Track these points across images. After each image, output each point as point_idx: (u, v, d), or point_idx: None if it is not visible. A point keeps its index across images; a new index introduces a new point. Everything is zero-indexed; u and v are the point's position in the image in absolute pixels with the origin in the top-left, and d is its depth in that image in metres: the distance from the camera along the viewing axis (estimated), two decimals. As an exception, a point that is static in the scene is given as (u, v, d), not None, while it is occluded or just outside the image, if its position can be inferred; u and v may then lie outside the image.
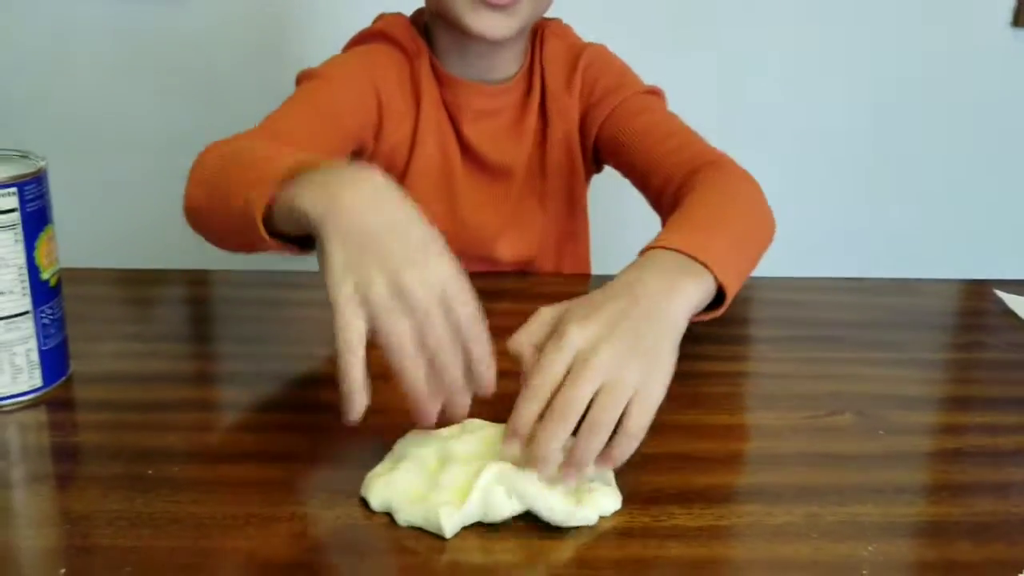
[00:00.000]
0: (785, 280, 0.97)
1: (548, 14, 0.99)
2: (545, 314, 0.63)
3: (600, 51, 1.04)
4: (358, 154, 0.97)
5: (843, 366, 0.80)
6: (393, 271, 0.56)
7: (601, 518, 0.58)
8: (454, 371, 0.57)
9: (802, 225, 1.65)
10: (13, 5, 1.74)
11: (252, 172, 0.66)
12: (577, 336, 0.59)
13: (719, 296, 0.70)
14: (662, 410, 0.60)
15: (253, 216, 0.63)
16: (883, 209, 1.96)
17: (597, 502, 0.58)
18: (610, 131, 0.99)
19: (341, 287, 0.56)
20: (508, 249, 1.04)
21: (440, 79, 0.99)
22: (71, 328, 0.72)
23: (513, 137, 1.02)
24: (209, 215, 0.74)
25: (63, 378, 0.71)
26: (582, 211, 1.09)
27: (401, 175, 1.00)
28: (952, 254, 1.95)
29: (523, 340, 0.62)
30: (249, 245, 0.69)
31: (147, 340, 0.82)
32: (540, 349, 0.60)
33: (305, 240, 0.63)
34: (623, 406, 0.57)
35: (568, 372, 0.58)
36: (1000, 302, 0.95)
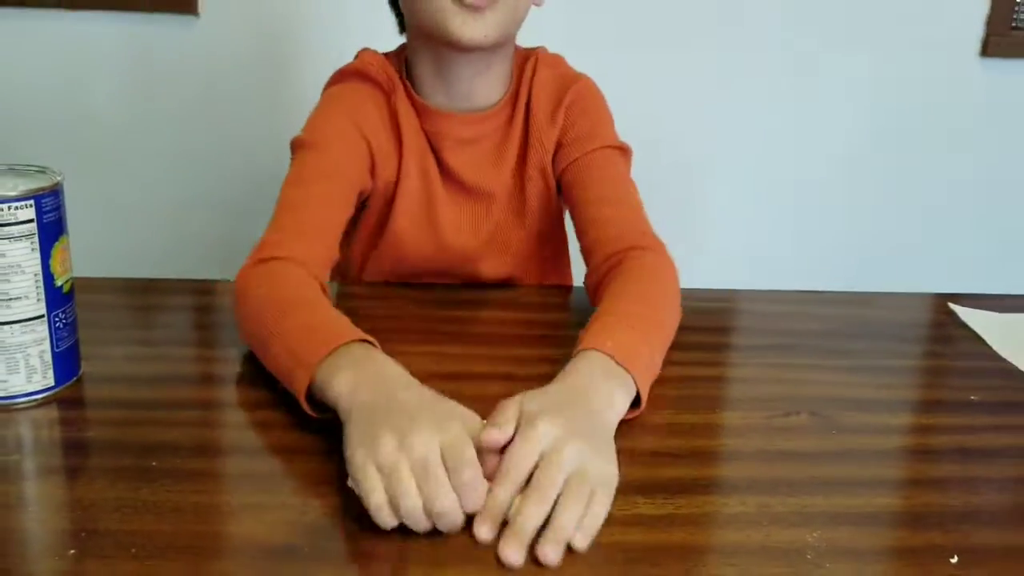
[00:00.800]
0: (751, 293, 1.02)
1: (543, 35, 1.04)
2: (508, 408, 0.66)
3: (586, 90, 1.07)
4: (361, 194, 1.02)
5: (801, 371, 0.86)
6: (400, 432, 0.61)
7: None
8: (455, 518, 0.59)
9: (774, 242, 1.71)
10: (33, 26, 1.78)
11: (284, 351, 0.74)
12: (546, 430, 0.64)
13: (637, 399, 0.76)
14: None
15: (297, 394, 0.71)
16: (853, 228, 2.01)
17: None
18: (569, 176, 1.04)
19: (356, 456, 0.61)
20: (490, 269, 1.09)
21: (419, 110, 1.03)
22: (82, 332, 0.76)
23: (494, 163, 1.05)
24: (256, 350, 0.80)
25: (74, 378, 0.76)
26: (561, 228, 1.13)
27: (390, 204, 1.05)
28: (915, 270, 2.01)
29: (495, 435, 0.64)
30: None
31: (153, 344, 0.86)
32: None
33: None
34: (590, 491, 0.62)
35: (539, 464, 0.62)
36: (955, 315, 1.00)
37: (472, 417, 0.65)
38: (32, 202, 0.69)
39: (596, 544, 0.59)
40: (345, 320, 0.76)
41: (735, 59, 1.88)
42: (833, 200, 1.98)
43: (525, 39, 1.06)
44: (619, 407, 0.73)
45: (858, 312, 1.01)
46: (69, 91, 1.81)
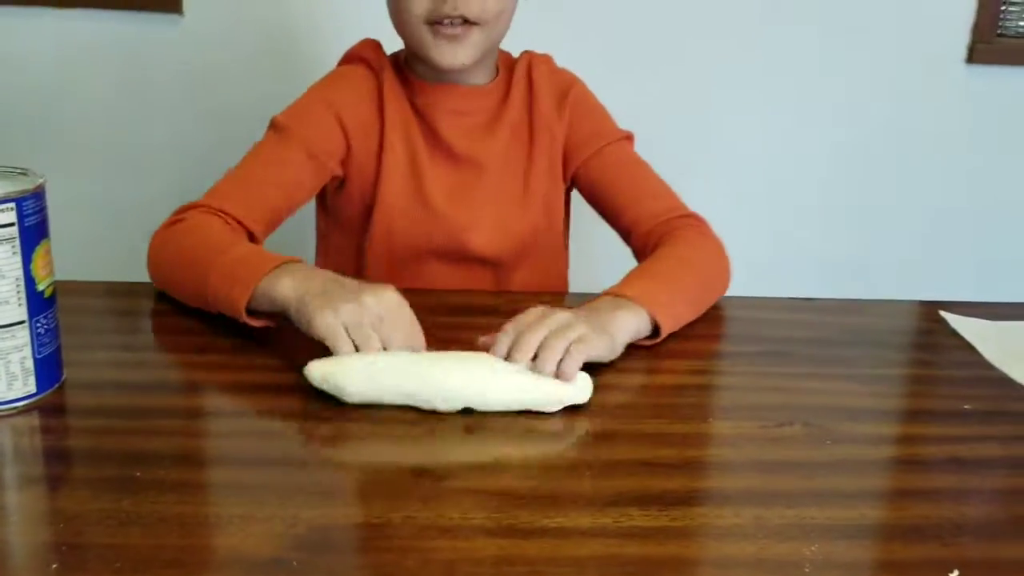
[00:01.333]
0: (741, 299, 1.02)
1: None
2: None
3: (584, 91, 1.14)
4: (333, 179, 1.08)
5: (793, 380, 0.85)
6: (353, 298, 0.77)
7: (567, 517, 0.62)
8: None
9: (764, 247, 1.71)
10: (14, 23, 1.76)
11: (222, 276, 0.84)
12: (549, 311, 0.81)
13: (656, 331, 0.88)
14: (627, 419, 0.67)
15: (238, 312, 0.82)
16: (841, 235, 2.01)
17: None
18: (589, 172, 1.11)
19: (329, 322, 0.76)
20: (482, 241, 1.09)
21: (413, 86, 1.08)
22: (65, 337, 0.75)
23: (487, 133, 1.09)
24: (178, 292, 0.91)
25: (56, 385, 0.74)
26: (561, 223, 1.15)
27: (374, 176, 1.07)
28: (905, 278, 2.01)
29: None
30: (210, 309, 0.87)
31: (137, 350, 0.85)
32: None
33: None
34: (570, 340, 0.77)
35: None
36: (945, 323, 1.00)
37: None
38: (13, 205, 0.68)
39: (590, 556, 0.58)
40: (274, 254, 0.86)
41: (724, 68, 1.89)
42: (820, 207, 1.98)
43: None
44: (626, 321, 0.85)
45: (849, 320, 1.01)
46: (53, 89, 1.79)
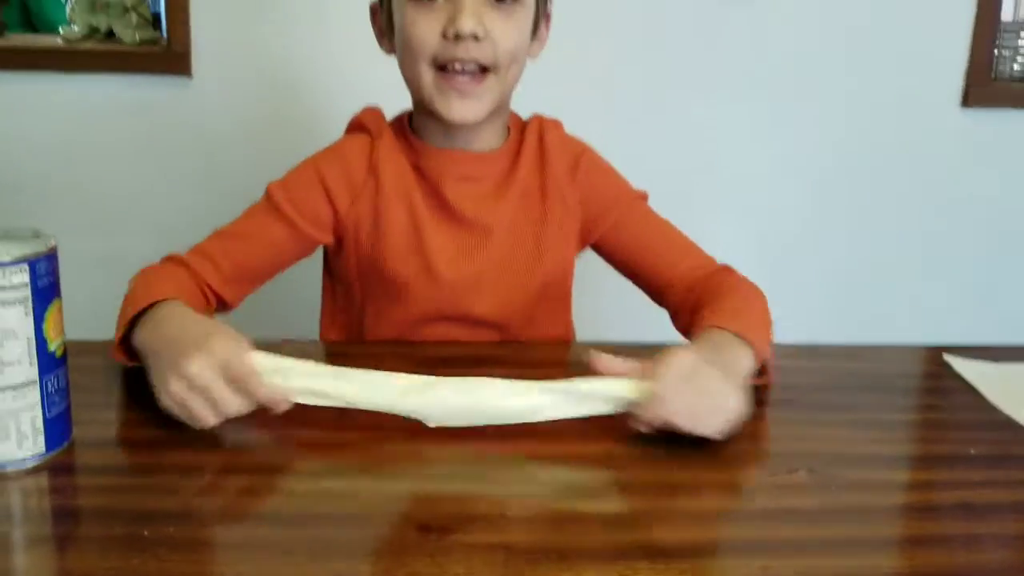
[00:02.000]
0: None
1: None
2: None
3: (596, 158, 1.13)
4: (330, 243, 1.10)
5: (798, 427, 0.85)
6: (177, 365, 0.76)
7: (573, 571, 0.62)
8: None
9: (768, 290, 1.70)
10: (26, 88, 1.80)
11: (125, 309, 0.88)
12: (680, 352, 0.80)
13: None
14: (633, 469, 0.69)
15: (112, 353, 0.87)
16: (842, 277, 2.02)
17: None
18: (614, 238, 1.11)
19: (160, 396, 0.78)
20: (489, 306, 1.08)
21: (417, 150, 1.07)
22: (74, 396, 0.76)
23: (496, 198, 1.07)
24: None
25: (65, 444, 0.74)
26: (570, 286, 1.15)
27: (374, 241, 1.06)
28: (904, 318, 2.02)
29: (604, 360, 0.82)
30: None
31: (144, 408, 0.85)
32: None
33: None
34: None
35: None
36: (949, 367, 1.00)
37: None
38: (27, 266, 0.69)
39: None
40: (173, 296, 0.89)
41: (715, 109, 1.91)
42: (815, 249, 2.00)
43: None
44: (745, 364, 0.85)
45: (852, 365, 1.01)
46: (66, 152, 1.82)
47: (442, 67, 0.98)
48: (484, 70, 0.98)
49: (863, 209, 1.99)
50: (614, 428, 0.80)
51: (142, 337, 0.84)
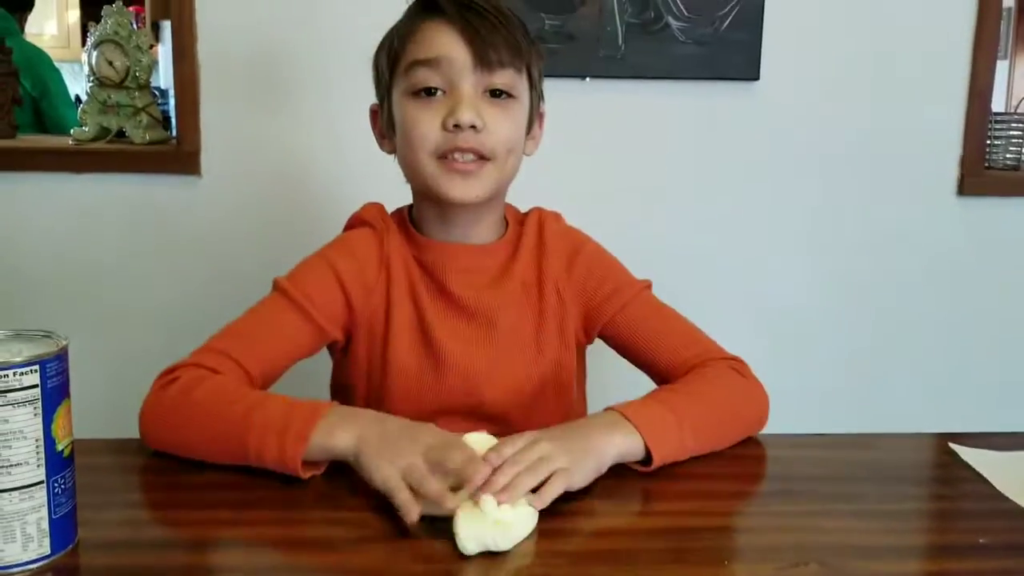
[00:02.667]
0: (749, 437, 1.02)
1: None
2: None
3: (597, 250, 1.15)
4: (340, 339, 1.10)
5: (806, 518, 0.84)
6: (409, 451, 0.82)
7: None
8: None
9: (766, 381, 1.70)
10: (38, 188, 1.85)
11: (265, 433, 0.87)
12: (532, 435, 0.86)
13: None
14: (639, 565, 0.69)
15: (295, 467, 0.86)
16: (840, 366, 2.02)
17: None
18: (616, 329, 1.12)
19: (388, 474, 0.80)
20: (494, 393, 1.09)
21: (419, 244, 1.09)
22: (80, 496, 0.75)
23: (496, 289, 1.09)
24: (194, 450, 0.92)
25: (71, 545, 0.74)
26: (572, 382, 1.14)
27: (383, 336, 1.08)
28: (908, 410, 2.01)
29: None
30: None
31: (150, 507, 0.85)
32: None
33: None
34: (549, 471, 0.82)
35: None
36: (956, 455, 1.00)
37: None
38: (37, 367, 0.70)
39: None
40: (309, 401, 0.90)
41: (713, 206, 1.94)
42: (812, 339, 2.00)
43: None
44: (615, 447, 0.89)
45: (858, 454, 1.01)
46: (76, 250, 1.85)
47: (443, 156, 1.02)
48: (483, 158, 1.02)
49: (863, 295, 2.00)
50: (623, 527, 0.80)
51: (345, 438, 0.86)
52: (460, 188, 1.02)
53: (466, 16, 1.01)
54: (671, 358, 1.08)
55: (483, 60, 1.00)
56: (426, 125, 1.01)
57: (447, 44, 1.01)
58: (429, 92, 1.02)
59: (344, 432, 0.86)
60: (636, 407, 0.93)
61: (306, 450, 0.85)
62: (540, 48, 1.09)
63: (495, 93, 1.02)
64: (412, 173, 1.06)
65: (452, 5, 1.02)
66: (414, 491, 0.78)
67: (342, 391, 1.16)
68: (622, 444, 0.89)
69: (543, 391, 1.11)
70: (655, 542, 0.79)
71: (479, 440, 0.86)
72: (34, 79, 2.98)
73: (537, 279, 1.11)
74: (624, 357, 1.14)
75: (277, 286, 1.06)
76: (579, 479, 0.84)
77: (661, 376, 1.10)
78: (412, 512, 0.77)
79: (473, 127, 1.00)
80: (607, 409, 0.94)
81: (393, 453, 0.82)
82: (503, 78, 1.02)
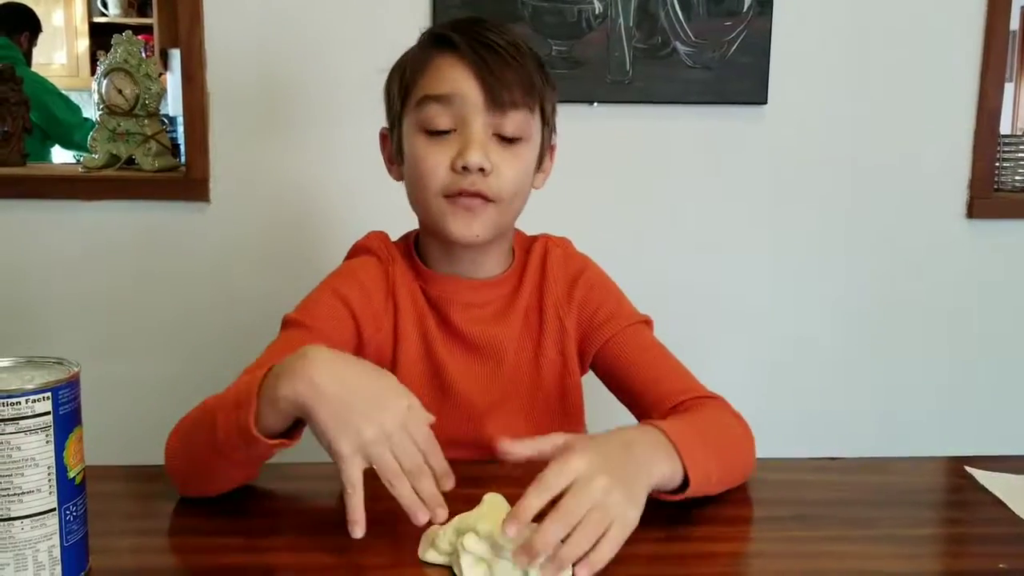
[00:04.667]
0: (763, 461, 1.01)
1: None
2: (557, 438, 0.80)
3: (598, 275, 1.14)
4: None
5: (821, 544, 0.83)
6: (375, 420, 0.76)
7: None
8: (428, 484, 0.78)
9: (777, 407, 1.70)
10: (48, 216, 1.86)
11: (227, 408, 0.82)
12: (582, 461, 0.75)
13: (685, 484, 0.84)
14: None
15: (248, 431, 0.78)
16: (853, 390, 2.01)
17: None
18: (606, 357, 1.10)
19: (341, 442, 0.75)
20: (499, 426, 1.07)
21: (425, 277, 1.09)
22: (91, 523, 0.75)
23: (499, 322, 1.09)
24: (197, 466, 0.88)
25: (82, 573, 0.73)
26: (575, 400, 1.14)
27: (391, 367, 1.07)
28: (918, 433, 1.99)
29: (529, 446, 0.80)
30: (241, 466, 0.87)
31: (161, 534, 0.85)
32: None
33: (291, 431, 0.80)
34: (607, 525, 0.72)
35: (570, 487, 0.73)
36: (972, 479, 0.99)
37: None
38: (49, 394, 0.70)
39: None
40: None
41: (721, 232, 1.94)
42: (819, 363, 1.99)
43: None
44: (659, 471, 0.81)
45: (874, 479, 1.00)
46: (85, 277, 1.86)
47: (449, 195, 1.01)
48: (488, 200, 1.01)
49: (872, 319, 2.00)
50: (635, 553, 0.79)
51: (288, 388, 0.77)
52: (464, 226, 1.01)
53: (479, 52, 0.99)
54: (654, 393, 1.05)
55: (495, 100, 0.99)
56: (435, 164, 1.01)
57: (459, 81, 1.00)
58: (440, 131, 1.01)
59: (290, 380, 0.77)
60: (677, 428, 0.86)
61: (254, 410, 0.78)
62: (554, 81, 1.08)
63: (505, 136, 1.01)
64: (419, 209, 1.06)
65: (465, 40, 1.00)
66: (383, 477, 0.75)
67: None
68: (666, 470, 0.82)
69: (550, 420, 1.11)
70: (668, 568, 0.78)
71: (496, 504, 0.79)
72: (38, 107, 3.00)
73: (539, 306, 1.11)
74: (608, 387, 1.12)
75: (288, 323, 1.04)
76: (631, 525, 0.74)
77: (641, 409, 1.06)
78: (358, 525, 0.74)
79: (481, 169, 0.99)
80: (645, 423, 0.88)
81: (362, 418, 0.75)
82: (514, 123, 1.01)
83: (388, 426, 0.77)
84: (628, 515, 0.74)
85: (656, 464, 0.81)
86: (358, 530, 0.75)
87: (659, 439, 0.84)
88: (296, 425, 0.80)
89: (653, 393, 1.05)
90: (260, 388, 0.79)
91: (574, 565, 0.71)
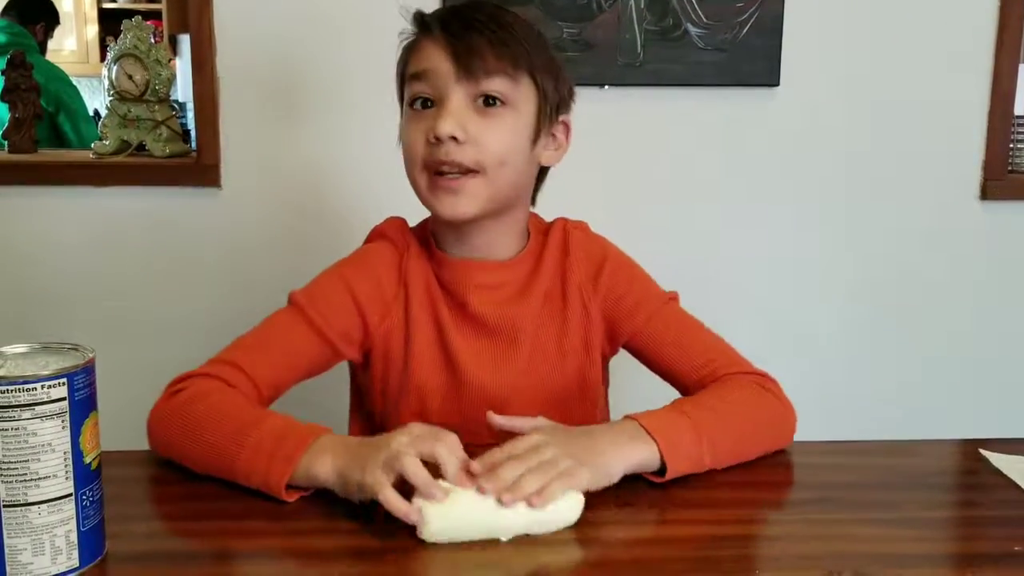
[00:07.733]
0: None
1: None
2: (539, 421, 0.92)
3: (621, 259, 1.14)
4: (356, 359, 1.10)
5: (840, 526, 0.83)
6: (387, 443, 0.82)
7: None
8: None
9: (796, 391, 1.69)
10: (59, 202, 1.86)
11: (258, 448, 0.86)
12: (539, 436, 0.86)
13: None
14: (677, 573, 0.70)
15: (278, 490, 0.84)
16: (864, 374, 2.00)
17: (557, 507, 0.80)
18: (641, 340, 1.11)
19: (365, 475, 0.80)
20: (517, 410, 1.04)
21: (439, 261, 1.08)
22: (108, 508, 0.75)
23: (518, 303, 1.08)
24: (193, 462, 0.91)
25: (99, 558, 0.74)
26: (591, 387, 1.13)
27: (403, 355, 1.07)
28: (933, 416, 1.99)
29: (509, 421, 0.93)
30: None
31: (178, 519, 0.85)
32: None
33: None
34: (553, 475, 0.81)
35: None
36: (987, 462, 0.99)
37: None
38: (65, 380, 0.70)
39: None
40: (304, 424, 0.89)
41: (735, 214, 1.93)
42: (835, 344, 1.99)
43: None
44: (629, 458, 0.88)
45: (890, 461, 1.00)
46: (98, 263, 1.87)
47: (435, 173, 1.01)
48: (470, 171, 1.00)
49: (886, 300, 1.99)
50: (649, 536, 0.79)
51: (327, 466, 0.84)
52: (449, 205, 1.01)
53: (451, 28, 1.00)
54: (696, 371, 1.07)
55: (467, 70, 0.99)
56: (415, 137, 1.01)
57: (433, 57, 1.00)
58: (424, 104, 1.01)
59: (328, 458, 0.84)
60: (655, 417, 0.92)
61: (291, 475, 0.84)
62: (558, 59, 1.07)
63: (488, 101, 1.00)
64: (414, 188, 1.05)
65: (439, 19, 1.02)
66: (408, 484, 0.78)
67: (361, 408, 1.15)
68: (637, 454, 0.88)
69: (567, 405, 1.10)
70: (684, 551, 0.78)
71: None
72: (48, 96, 3.01)
73: (561, 289, 1.10)
74: (649, 369, 1.13)
75: (293, 300, 1.05)
76: (582, 484, 0.82)
77: (685, 388, 1.08)
78: (411, 512, 0.77)
79: (455, 139, 0.98)
80: (625, 417, 0.93)
81: (369, 454, 0.81)
82: (493, 84, 1.00)
83: (401, 440, 0.82)
84: (577, 473, 0.82)
85: (626, 448, 0.88)
86: (414, 515, 0.77)
87: (630, 428, 0.91)
88: None
89: (692, 374, 1.07)
90: (298, 457, 0.84)
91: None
